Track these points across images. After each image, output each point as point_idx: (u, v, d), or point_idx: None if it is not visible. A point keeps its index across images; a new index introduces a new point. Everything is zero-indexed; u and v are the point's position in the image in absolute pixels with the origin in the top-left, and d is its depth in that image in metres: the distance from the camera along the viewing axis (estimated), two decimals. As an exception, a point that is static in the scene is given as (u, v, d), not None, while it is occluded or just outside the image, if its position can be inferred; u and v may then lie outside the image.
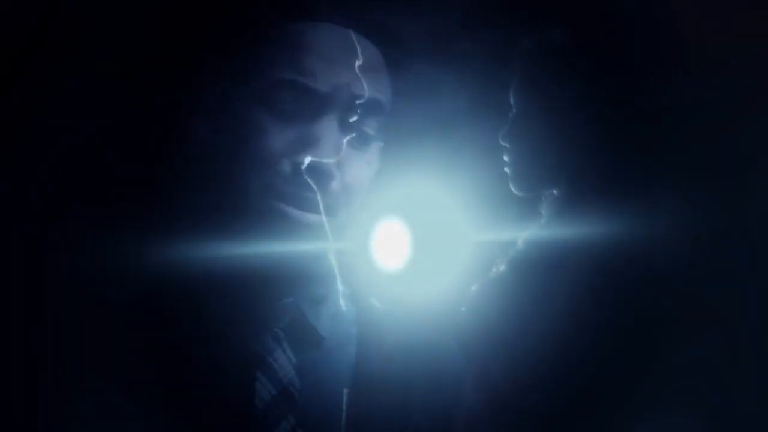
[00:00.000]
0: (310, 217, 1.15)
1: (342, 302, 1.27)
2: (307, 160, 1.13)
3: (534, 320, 1.49)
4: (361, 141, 1.20)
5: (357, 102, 1.17)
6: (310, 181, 1.14)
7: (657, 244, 1.48)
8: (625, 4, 1.52)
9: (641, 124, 1.52)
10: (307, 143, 1.14)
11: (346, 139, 1.17)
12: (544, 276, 1.50)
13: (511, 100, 1.54)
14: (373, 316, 1.29)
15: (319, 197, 1.15)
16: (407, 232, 1.76)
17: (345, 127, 1.18)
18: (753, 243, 1.49)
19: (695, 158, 1.53)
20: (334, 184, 1.16)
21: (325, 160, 1.14)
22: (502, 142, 1.25)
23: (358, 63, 1.17)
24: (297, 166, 1.14)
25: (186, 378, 1.15)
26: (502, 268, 1.39)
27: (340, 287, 1.27)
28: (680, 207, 1.50)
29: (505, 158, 1.22)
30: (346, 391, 1.19)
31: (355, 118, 1.18)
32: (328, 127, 1.15)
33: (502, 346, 1.52)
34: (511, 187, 1.41)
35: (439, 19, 1.62)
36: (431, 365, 1.26)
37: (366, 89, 1.17)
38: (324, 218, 1.15)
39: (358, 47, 1.17)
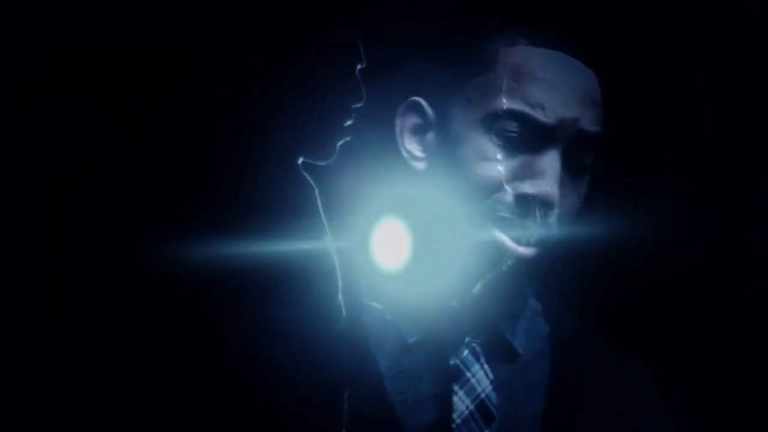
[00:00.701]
0: (524, 250, 1.14)
1: (536, 318, 1.26)
2: (530, 189, 1.12)
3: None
4: (579, 173, 1.17)
5: (581, 136, 1.14)
6: (531, 212, 1.13)
7: (656, 243, 1.48)
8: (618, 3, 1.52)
9: (635, 122, 1.52)
10: (530, 173, 1.13)
11: (564, 172, 1.15)
12: (539, 275, 1.50)
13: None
14: (566, 333, 1.27)
15: (537, 228, 1.13)
16: (407, 232, 1.76)
17: (565, 159, 1.15)
18: (753, 243, 1.49)
19: (692, 157, 1.53)
20: (553, 216, 1.14)
21: (547, 191, 1.12)
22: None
23: (583, 95, 1.14)
24: (519, 195, 1.12)
25: (386, 389, 1.15)
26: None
27: (532, 303, 1.27)
28: (677, 206, 1.50)
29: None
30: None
31: (576, 152, 1.15)
32: (550, 159, 1.13)
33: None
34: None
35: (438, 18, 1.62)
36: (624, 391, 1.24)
37: (592, 124, 1.15)
38: (538, 250, 1.14)
39: (583, 77, 1.15)
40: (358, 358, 1.16)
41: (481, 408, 1.16)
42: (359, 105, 1.52)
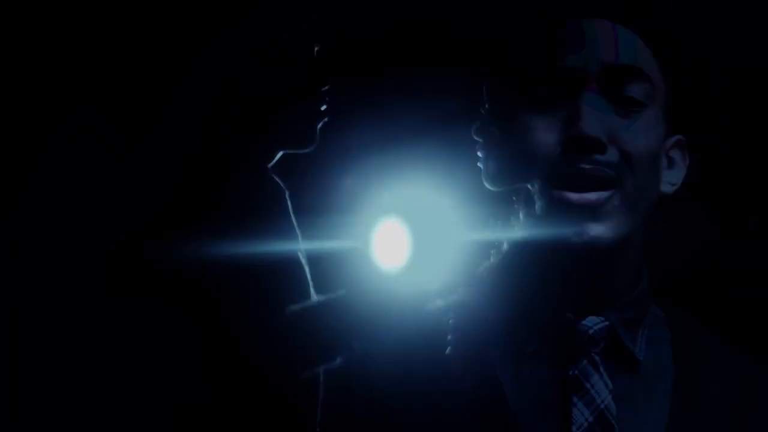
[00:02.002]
0: (589, 196, 1.11)
1: (658, 325, 1.24)
2: (572, 134, 1.10)
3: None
4: (630, 108, 1.14)
5: (610, 71, 1.13)
6: (580, 157, 1.11)
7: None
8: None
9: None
10: (571, 123, 1.11)
11: (610, 112, 1.13)
12: (539, 275, 1.50)
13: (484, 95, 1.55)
14: (689, 341, 1.25)
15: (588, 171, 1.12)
16: (407, 232, 1.77)
17: (605, 99, 1.14)
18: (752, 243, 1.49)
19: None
20: (610, 153, 1.12)
21: (582, 130, 1.10)
22: (475, 137, 1.23)
23: (599, 35, 1.15)
24: (565, 144, 1.11)
25: (506, 396, 1.14)
26: (497, 265, 1.38)
27: (654, 310, 1.25)
28: (672, 209, 1.50)
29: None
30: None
31: (614, 89, 1.14)
32: (581, 103, 1.11)
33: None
34: (484, 182, 1.39)
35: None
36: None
37: (617, 56, 1.13)
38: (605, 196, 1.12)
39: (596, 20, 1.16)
40: (476, 363, 1.15)
41: (601, 420, 1.13)
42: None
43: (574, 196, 1.10)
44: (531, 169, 1.13)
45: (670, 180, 1.22)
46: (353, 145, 1.68)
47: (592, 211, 1.10)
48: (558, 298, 1.15)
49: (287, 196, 1.65)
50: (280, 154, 1.61)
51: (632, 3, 1.21)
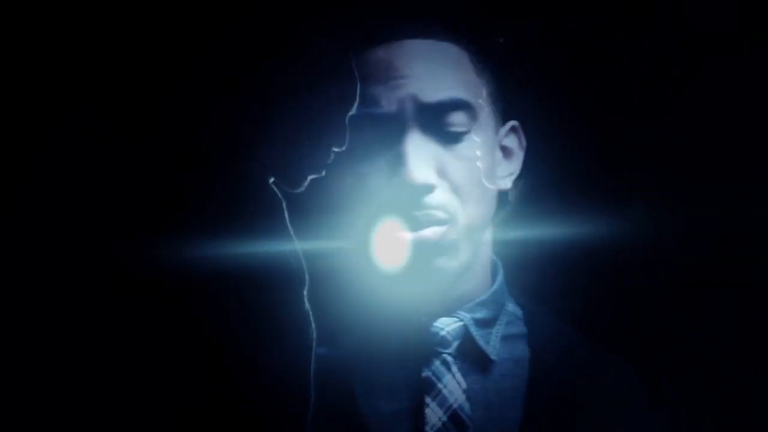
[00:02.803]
0: (425, 233, 1.12)
1: (515, 323, 1.24)
2: (401, 179, 1.11)
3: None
4: (452, 140, 1.15)
5: (429, 107, 1.13)
6: (412, 200, 1.12)
7: (649, 245, 1.48)
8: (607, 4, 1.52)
9: (625, 123, 1.52)
10: (399, 164, 1.11)
11: (433, 147, 1.13)
12: (539, 275, 1.50)
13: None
14: (545, 337, 1.25)
15: (423, 213, 1.12)
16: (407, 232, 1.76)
17: (428, 135, 1.14)
18: (751, 243, 1.49)
19: (684, 160, 1.53)
20: (439, 194, 1.12)
21: (409, 175, 1.10)
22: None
23: (418, 70, 1.13)
24: (396, 189, 1.12)
25: (356, 404, 1.14)
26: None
27: (512, 308, 1.25)
28: (672, 209, 1.50)
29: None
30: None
31: (435, 123, 1.13)
32: (406, 145, 1.11)
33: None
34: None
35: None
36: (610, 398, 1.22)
37: (435, 93, 1.13)
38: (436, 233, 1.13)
39: (418, 51, 1.14)
40: (331, 372, 1.15)
41: (454, 419, 1.14)
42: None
43: (411, 235, 1.11)
44: (366, 213, 1.14)
45: (507, 171, 1.24)
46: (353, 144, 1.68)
47: (431, 246, 1.12)
48: (411, 303, 1.16)
49: (284, 205, 1.66)
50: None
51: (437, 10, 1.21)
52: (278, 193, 1.61)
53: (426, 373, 1.15)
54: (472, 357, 1.19)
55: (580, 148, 1.54)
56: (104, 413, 1.08)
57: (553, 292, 1.50)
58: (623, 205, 1.52)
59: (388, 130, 1.13)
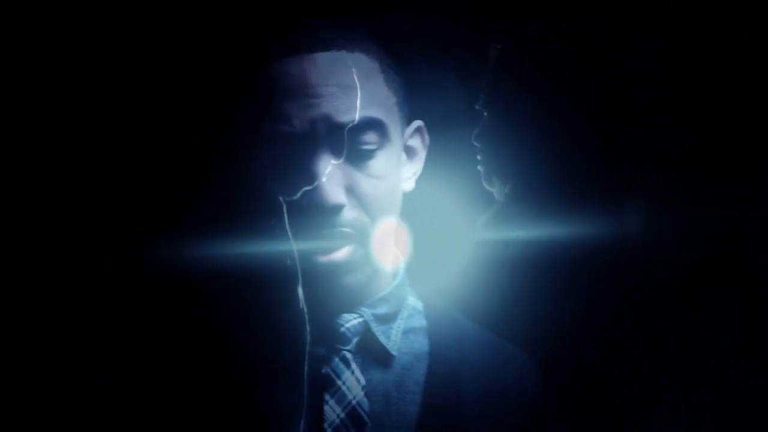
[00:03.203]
0: (335, 256, 1.13)
1: (416, 318, 1.25)
2: (310, 200, 1.11)
3: (530, 319, 1.49)
4: (363, 158, 1.16)
5: (342, 127, 1.13)
6: (322, 220, 1.12)
7: (649, 245, 1.48)
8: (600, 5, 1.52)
9: (625, 126, 1.53)
10: (312, 183, 1.12)
11: (344, 166, 1.14)
12: (539, 275, 1.50)
13: (482, 100, 1.57)
14: (445, 332, 1.26)
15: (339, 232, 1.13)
16: (407, 232, 1.76)
17: (339, 154, 1.14)
18: (750, 243, 1.49)
19: (684, 160, 1.53)
20: (348, 212, 1.13)
21: (321, 198, 1.11)
22: (474, 142, 1.23)
23: (332, 88, 1.13)
24: (305, 210, 1.12)
25: (254, 401, 1.14)
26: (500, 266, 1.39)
27: (413, 302, 1.26)
28: (672, 209, 1.50)
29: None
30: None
31: (348, 142, 1.14)
32: (316, 164, 1.12)
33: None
34: (484, 184, 1.40)
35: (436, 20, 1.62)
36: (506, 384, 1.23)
37: (347, 113, 1.13)
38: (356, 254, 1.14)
39: (330, 68, 1.14)
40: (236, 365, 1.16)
41: (352, 415, 1.15)
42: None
43: (322, 258, 1.12)
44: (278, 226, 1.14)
45: (411, 172, 1.25)
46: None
47: (339, 266, 1.13)
48: (315, 302, 1.16)
49: (284, 209, 1.66)
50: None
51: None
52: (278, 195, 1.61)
53: (325, 370, 1.16)
54: (372, 352, 1.19)
55: (580, 148, 1.54)
56: (104, 412, 1.08)
57: (553, 292, 1.50)
58: (623, 205, 1.52)
59: (300, 149, 1.13)
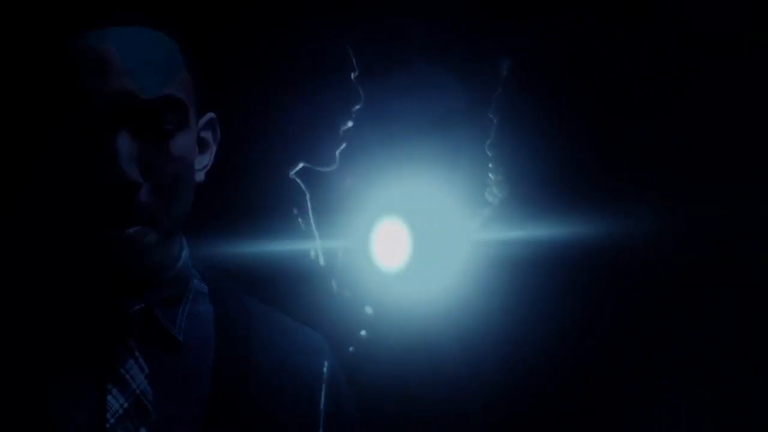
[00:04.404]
0: (129, 231, 1.12)
1: (201, 300, 1.23)
2: (110, 178, 1.10)
3: (530, 319, 1.49)
4: (162, 138, 1.14)
5: (144, 105, 1.11)
6: (114, 202, 1.11)
7: (651, 246, 1.48)
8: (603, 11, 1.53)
9: (627, 129, 1.53)
10: (109, 161, 1.11)
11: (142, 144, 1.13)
12: (539, 275, 1.50)
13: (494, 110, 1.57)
14: (232, 314, 1.25)
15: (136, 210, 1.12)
16: (407, 232, 1.77)
17: (141, 132, 1.13)
18: (749, 243, 1.49)
19: (684, 160, 1.53)
20: (144, 194, 1.12)
21: (127, 177, 1.10)
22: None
23: (135, 64, 1.12)
24: (93, 188, 1.11)
25: (35, 396, 1.12)
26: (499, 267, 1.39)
27: (197, 285, 1.24)
28: (672, 209, 1.50)
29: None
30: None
31: (150, 122, 1.12)
32: (123, 140, 1.11)
33: (499, 345, 1.53)
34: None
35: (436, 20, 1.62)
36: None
37: (149, 90, 1.12)
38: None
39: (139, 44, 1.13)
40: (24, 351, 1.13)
41: (137, 405, 1.11)
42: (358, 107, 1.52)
43: (116, 233, 1.10)
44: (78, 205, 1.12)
45: (201, 164, 1.23)
46: (353, 144, 1.68)
47: (132, 245, 1.10)
48: (94, 285, 1.14)
49: (308, 198, 1.66)
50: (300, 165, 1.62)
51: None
52: (302, 186, 1.61)
53: (108, 359, 1.13)
54: (158, 339, 1.16)
55: (580, 148, 1.54)
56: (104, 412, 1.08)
57: (553, 292, 1.50)
58: (623, 205, 1.52)
59: (99, 127, 1.11)
